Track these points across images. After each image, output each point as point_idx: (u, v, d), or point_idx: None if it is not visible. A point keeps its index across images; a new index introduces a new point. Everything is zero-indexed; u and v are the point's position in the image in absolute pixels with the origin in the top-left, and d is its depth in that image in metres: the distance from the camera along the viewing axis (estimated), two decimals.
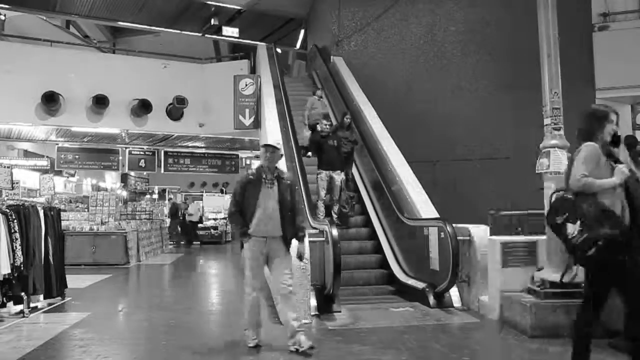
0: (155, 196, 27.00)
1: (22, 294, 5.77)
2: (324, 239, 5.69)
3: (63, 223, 7.88)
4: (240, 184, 4.43)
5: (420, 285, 6.21)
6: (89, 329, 5.20)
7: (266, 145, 4.43)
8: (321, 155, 7.90)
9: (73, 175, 19.24)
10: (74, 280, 7.27)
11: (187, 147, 16.37)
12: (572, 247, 3.06)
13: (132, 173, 23.03)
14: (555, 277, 4.71)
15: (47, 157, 16.04)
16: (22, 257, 5.59)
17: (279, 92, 10.69)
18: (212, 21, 16.17)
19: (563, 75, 4.99)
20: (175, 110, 13.14)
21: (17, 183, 13.09)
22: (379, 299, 6.44)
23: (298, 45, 18.62)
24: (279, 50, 14.34)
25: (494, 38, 10.97)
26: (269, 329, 5.21)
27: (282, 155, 4.61)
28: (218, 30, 16.82)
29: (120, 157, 15.14)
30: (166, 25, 16.83)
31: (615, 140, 3.34)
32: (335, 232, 5.41)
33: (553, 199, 3.27)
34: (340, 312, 5.57)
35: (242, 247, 4.43)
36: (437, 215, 6.58)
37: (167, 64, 13.68)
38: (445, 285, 5.70)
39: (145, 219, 13.57)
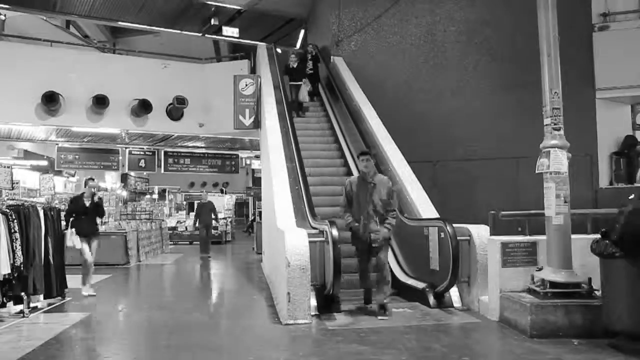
0: (155, 196, 27.02)
1: (22, 294, 5.77)
2: (324, 239, 5.68)
3: (63, 223, 7.87)
4: None
5: (420, 285, 6.21)
6: (89, 329, 5.20)
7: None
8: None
9: (73, 175, 19.26)
10: (74, 280, 7.27)
11: (187, 147, 16.38)
12: None
13: (132, 173, 23.03)
14: (555, 277, 4.72)
15: (47, 157, 16.04)
16: (22, 257, 5.59)
17: (279, 92, 10.70)
18: (212, 21, 16.16)
19: (563, 75, 4.98)
20: (175, 110, 13.14)
21: (17, 183, 13.10)
22: None
23: (298, 45, 18.59)
24: (279, 50, 14.30)
25: (494, 38, 10.97)
26: (269, 329, 5.21)
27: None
28: (218, 30, 16.81)
29: (120, 157, 15.14)
30: (166, 25, 16.82)
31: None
32: (335, 232, 5.40)
33: None
34: (340, 312, 5.56)
35: None
36: (437, 215, 6.58)
37: (167, 64, 13.68)
38: (445, 285, 5.70)
39: (145, 219, 13.57)
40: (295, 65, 11.44)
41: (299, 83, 11.27)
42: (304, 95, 11.22)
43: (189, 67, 14.29)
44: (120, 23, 16.79)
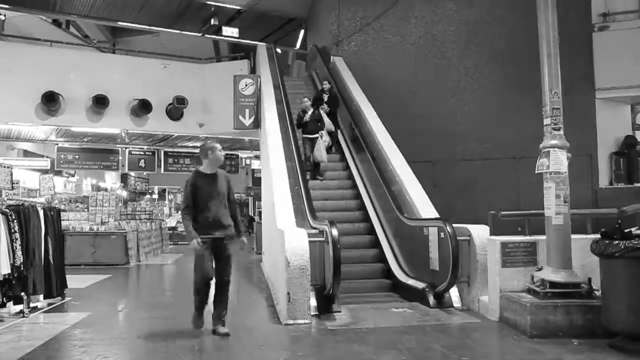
0: (155, 196, 27.03)
1: (22, 294, 5.77)
2: (324, 239, 5.69)
3: (63, 223, 7.88)
4: None
5: (420, 285, 6.21)
6: (89, 329, 5.20)
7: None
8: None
9: (73, 175, 19.26)
10: (74, 280, 7.26)
11: (187, 147, 16.39)
12: None
13: (132, 173, 23.07)
14: (554, 277, 4.72)
15: (47, 157, 16.05)
16: (22, 257, 5.59)
17: (279, 92, 10.70)
18: (212, 21, 16.20)
19: (563, 75, 4.99)
20: (175, 110, 13.14)
21: (17, 183, 13.10)
22: (378, 299, 6.44)
23: (298, 45, 18.64)
24: (278, 50, 14.33)
25: (494, 38, 10.98)
26: (269, 329, 5.21)
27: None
28: (218, 31, 16.84)
29: (120, 157, 15.15)
30: (166, 25, 16.85)
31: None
32: (335, 232, 5.41)
33: None
34: (340, 312, 5.56)
35: None
36: (437, 215, 6.58)
37: (167, 64, 13.69)
38: (445, 286, 5.69)
39: (145, 219, 13.58)
40: (310, 112, 9.25)
41: (315, 136, 9.09)
42: (320, 153, 8.97)
43: (189, 67, 14.30)
44: (120, 23, 16.83)
